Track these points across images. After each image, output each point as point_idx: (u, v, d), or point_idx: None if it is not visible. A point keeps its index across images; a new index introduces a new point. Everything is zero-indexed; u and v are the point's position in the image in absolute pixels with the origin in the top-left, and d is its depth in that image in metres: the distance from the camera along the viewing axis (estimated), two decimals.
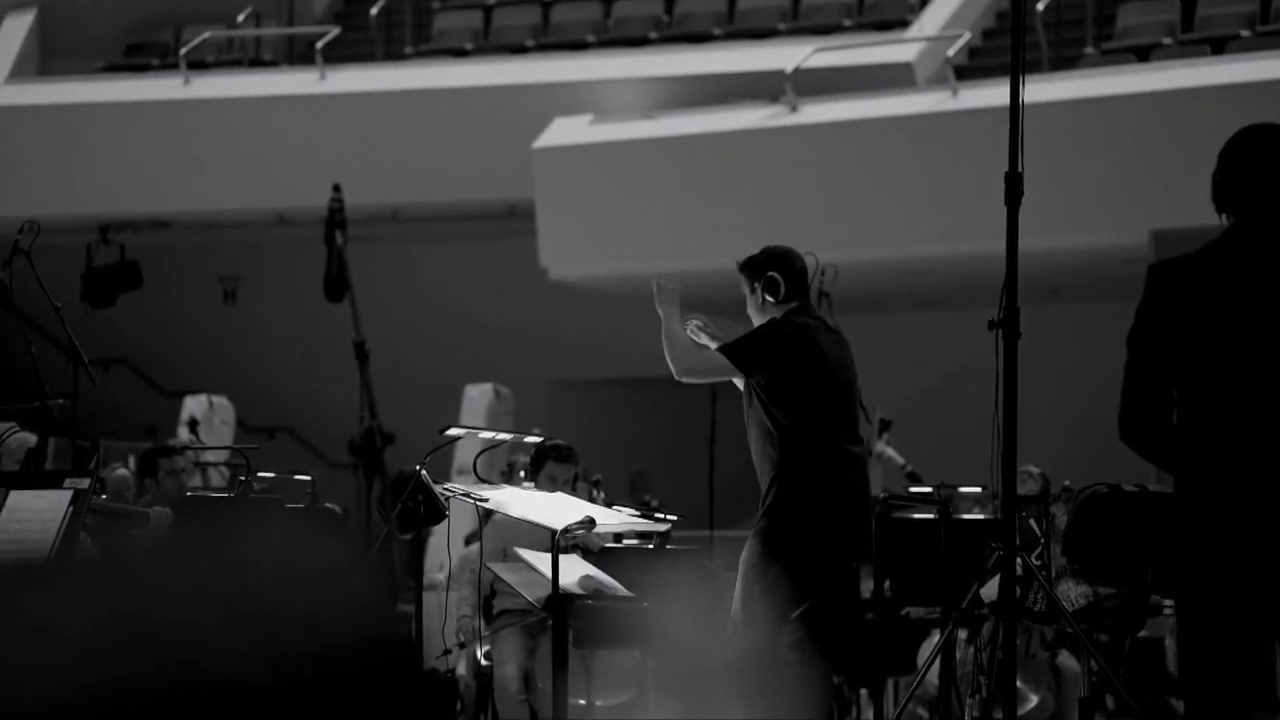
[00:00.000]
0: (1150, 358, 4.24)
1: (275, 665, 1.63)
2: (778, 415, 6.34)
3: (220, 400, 14.15)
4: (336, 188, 4.70)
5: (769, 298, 6.52)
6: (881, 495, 8.62)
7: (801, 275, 6.57)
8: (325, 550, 1.76)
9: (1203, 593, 4.17)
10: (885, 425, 11.03)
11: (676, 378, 6.54)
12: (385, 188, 15.53)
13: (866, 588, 9.22)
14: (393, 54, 17.09)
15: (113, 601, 1.65)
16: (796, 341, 6.38)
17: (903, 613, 8.50)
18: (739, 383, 6.61)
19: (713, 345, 6.60)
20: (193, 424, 12.87)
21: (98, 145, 16.06)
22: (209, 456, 11.37)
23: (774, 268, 6.53)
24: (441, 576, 8.59)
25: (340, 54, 16.63)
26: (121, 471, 9.54)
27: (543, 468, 7.84)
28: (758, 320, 6.56)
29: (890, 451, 11.04)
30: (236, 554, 1.72)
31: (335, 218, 4.48)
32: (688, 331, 6.66)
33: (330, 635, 1.67)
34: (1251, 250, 4.25)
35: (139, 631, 1.63)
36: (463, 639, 7.70)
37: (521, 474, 9.41)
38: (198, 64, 16.89)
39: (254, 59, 17.62)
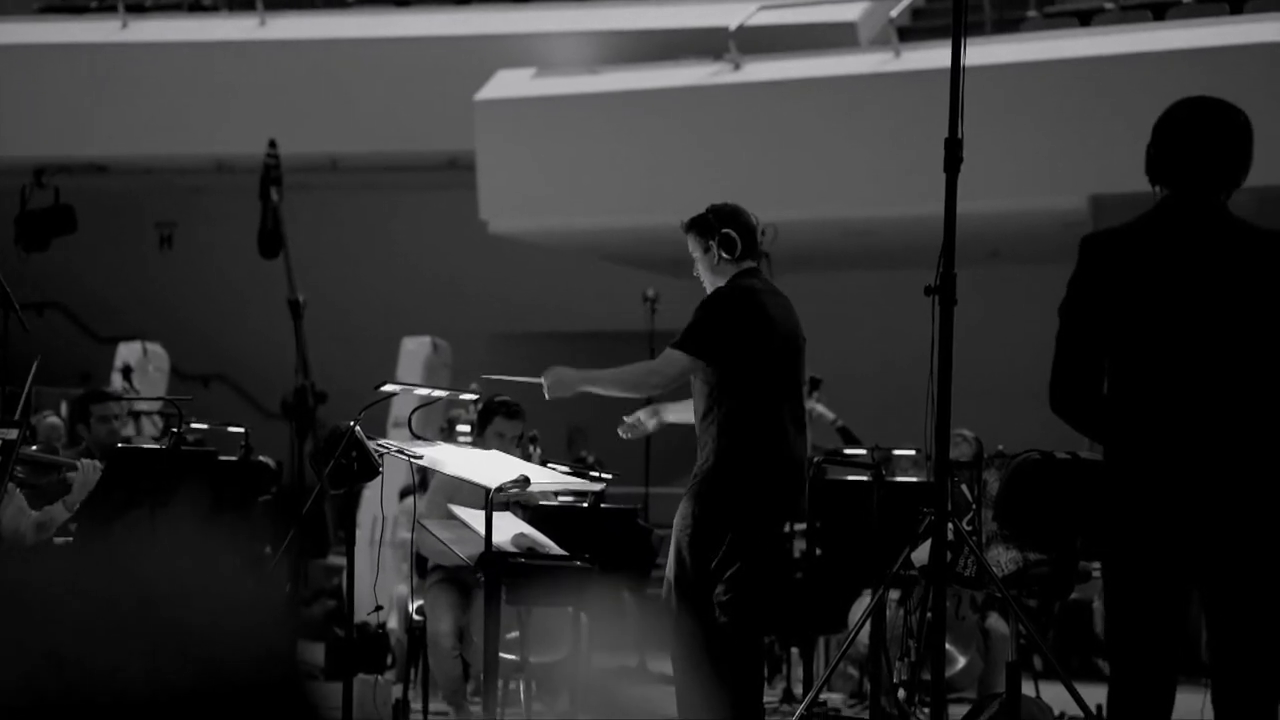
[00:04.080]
0: (1082, 329, 4.27)
1: (164, 680, 1.62)
2: (721, 379, 6.33)
3: (154, 347, 14.03)
4: (272, 143, 4.64)
5: (725, 255, 6.48)
6: (816, 459, 8.65)
7: (753, 232, 6.57)
8: (223, 565, 1.73)
9: (1129, 559, 4.21)
10: (815, 384, 11.06)
11: (646, 395, 6.60)
12: (325, 137, 15.42)
13: (798, 547, 9.26)
14: (334, 1, 16.94)
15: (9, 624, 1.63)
16: (743, 310, 6.36)
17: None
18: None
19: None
20: (126, 371, 12.76)
21: (33, 87, 15.87)
22: (142, 405, 11.28)
23: (728, 224, 6.51)
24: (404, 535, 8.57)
25: (281, 0, 16.48)
26: (53, 419, 9.46)
27: (490, 423, 7.82)
28: (710, 279, 6.52)
29: (820, 408, 11.08)
30: (138, 571, 1.69)
31: (270, 174, 4.43)
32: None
33: (220, 652, 1.65)
34: (1184, 224, 4.28)
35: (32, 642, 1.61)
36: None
37: (465, 428, 9.38)
38: (136, 7, 16.70)
39: (193, 3, 17.44)
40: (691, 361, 6.36)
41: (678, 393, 6.61)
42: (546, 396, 6.46)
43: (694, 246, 6.57)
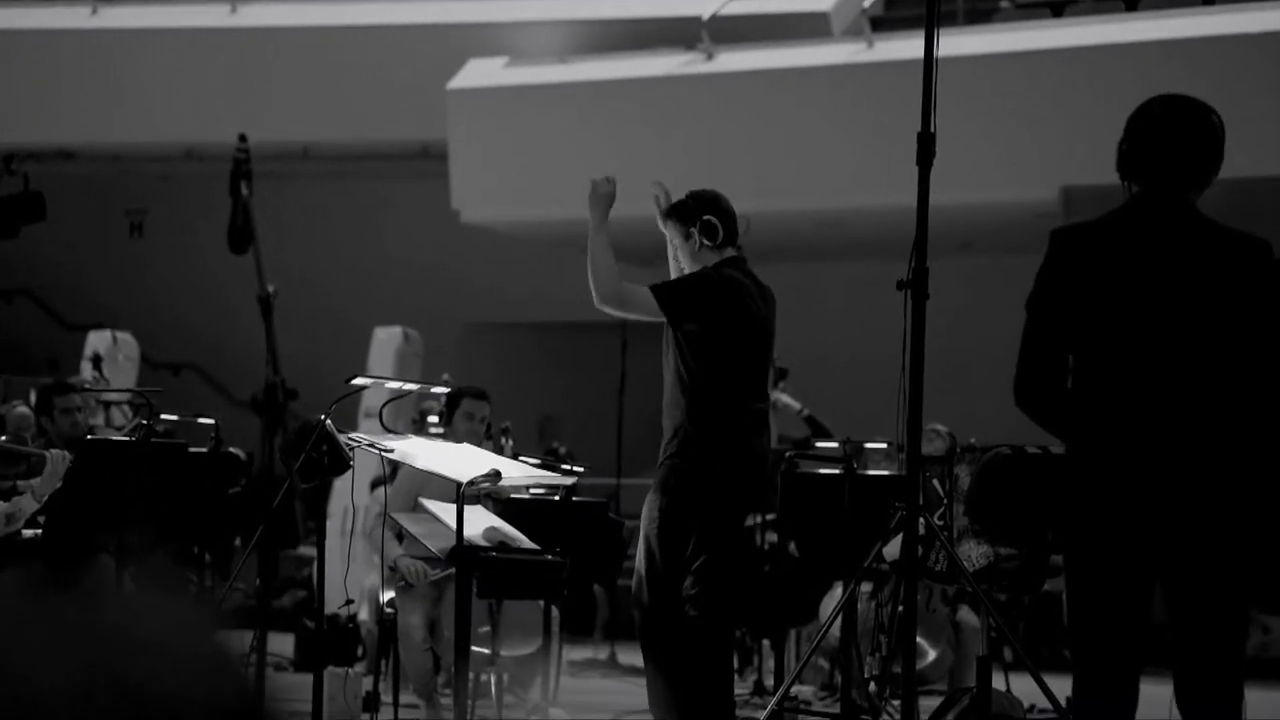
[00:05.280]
0: (1048, 323, 4.28)
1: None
2: (694, 366, 6.29)
3: (124, 336, 13.97)
4: (242, 137, 4.60)
5: (707, 241, 6.43)
6: (787, 452, 8.64)
7: (734, 218, 6.51)
8: (173, 623, 1.71)
9: (1091, 552, 4.23)
10: (782, 374, 11.06)
11: (596, 304, 6.46)
12: (297, 125, 15.36)
13: (768, 540, 9.26)
14: None
15: None
16: (726, 296, 6.31)
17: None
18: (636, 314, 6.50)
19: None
20: (96, 360, 12.69)
21: (2, 73, 15.78)
22: (111, 396, 11.22)
23: (709, 210, 6.46)
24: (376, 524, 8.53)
25: None
26: (21, 409, 9.42)
27: (458, 406, 7.80)
28: (690, 267, 6.47)
29: (785, 398, 11.09)
30: (95, 626, 1.66)
31: (240, 169, 4.39)
32: (655, 195, 6.56)
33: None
34: (1153, 222, 4.29)
35: None
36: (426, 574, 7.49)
37: (435, 419, 9.35)
38: None
39: None
40: (656, 307, 6.28)
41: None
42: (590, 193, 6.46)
43: (674, 234, 6.51)
